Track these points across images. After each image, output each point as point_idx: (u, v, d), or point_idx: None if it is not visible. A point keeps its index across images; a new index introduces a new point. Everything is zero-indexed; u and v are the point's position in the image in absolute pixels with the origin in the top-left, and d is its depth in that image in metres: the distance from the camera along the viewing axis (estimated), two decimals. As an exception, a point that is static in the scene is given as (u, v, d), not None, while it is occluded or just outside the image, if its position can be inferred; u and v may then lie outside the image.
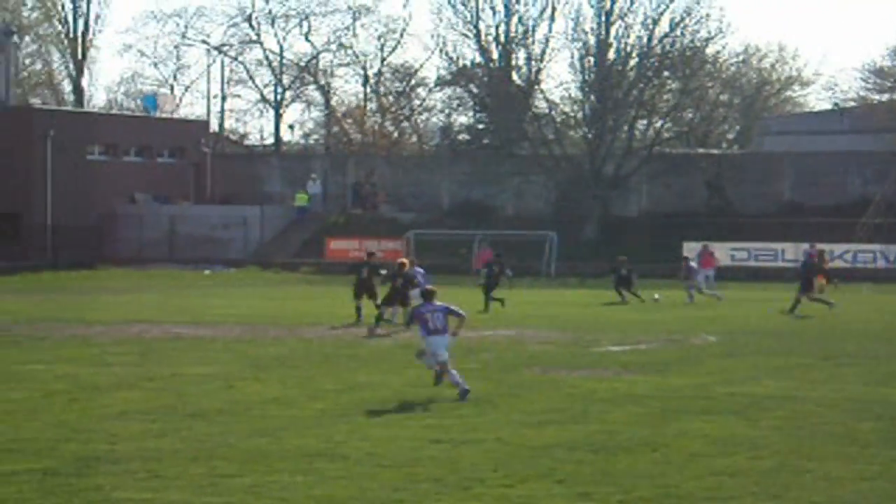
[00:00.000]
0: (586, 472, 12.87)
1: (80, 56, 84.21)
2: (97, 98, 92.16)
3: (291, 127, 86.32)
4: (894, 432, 15.17)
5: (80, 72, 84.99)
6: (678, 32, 62.60)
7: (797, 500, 11.72)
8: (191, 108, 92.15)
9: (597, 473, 12.83)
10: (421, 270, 32.90)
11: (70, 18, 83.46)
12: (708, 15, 62.99)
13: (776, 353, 24.58)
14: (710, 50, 65.02)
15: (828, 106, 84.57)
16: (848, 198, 60.93)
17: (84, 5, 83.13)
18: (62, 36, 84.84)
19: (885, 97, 75.74)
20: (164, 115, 70.67)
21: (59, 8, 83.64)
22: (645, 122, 66.12)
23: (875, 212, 58.68)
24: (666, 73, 64.00)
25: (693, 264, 42.65)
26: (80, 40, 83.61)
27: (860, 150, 64.52)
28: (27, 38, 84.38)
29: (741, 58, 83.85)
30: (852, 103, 79.29)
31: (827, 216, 58.18)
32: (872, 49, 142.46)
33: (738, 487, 12.23)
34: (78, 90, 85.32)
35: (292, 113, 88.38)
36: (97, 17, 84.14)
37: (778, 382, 19.96)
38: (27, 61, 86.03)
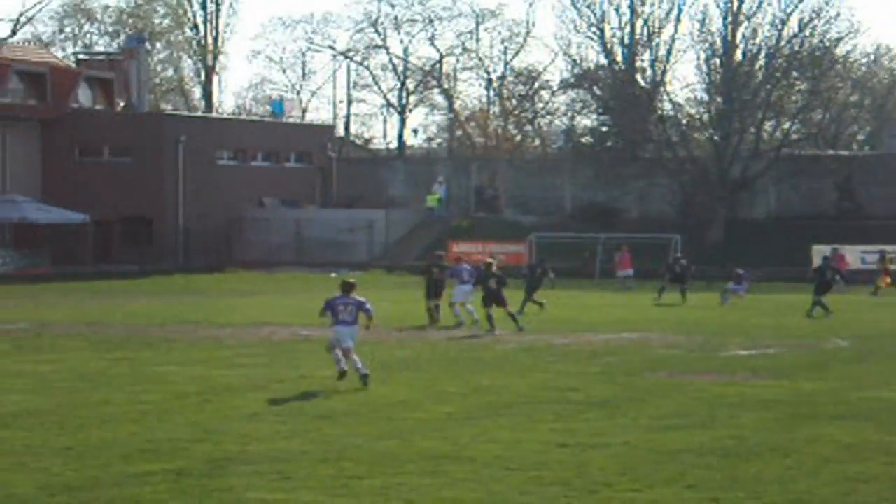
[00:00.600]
0: (716, 478, 12.74)
1: (209, 62, 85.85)
2: (226, 103, 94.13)
3: (415, 131, 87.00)
4: None
5: (209, 78, 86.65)
6: (807, 32, 61.71)
7: (933, 509, 11.47)
8: (317, 112, 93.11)
9: (726, 479, 12.70)
10: (468, 267, 32.69)
11: (200, 25, 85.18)
12: (838, 14, 62.15)
13: (910, 358, 24.06)
14: (839, 50, 64.04)
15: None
16: (984, 200, 59.42)
17: (214, 13, 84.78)
18: (193, 42, 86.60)
19: None
20: (290, 120, 71.65)
21: (190, 15, 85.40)
22: (773, 123, 65.26)
23: None
24: (794, 74, 63.09)
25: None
26: (209, 47, 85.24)
27: None
28: (158, 45, 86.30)
29: (872, 58, 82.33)
30: None
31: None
32: None
33: (873, 494, 12.01)
34: (208, 96, 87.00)
35: (416, 117, 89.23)
36: (227, 24, 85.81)
37: (912, 388, 19.54)
38: (159, 68, 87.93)
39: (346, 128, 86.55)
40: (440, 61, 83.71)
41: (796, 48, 62.07)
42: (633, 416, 16.74)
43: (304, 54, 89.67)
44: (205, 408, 17.44)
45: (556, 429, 15.63)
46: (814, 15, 61.60)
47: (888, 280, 46.94)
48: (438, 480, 12.66)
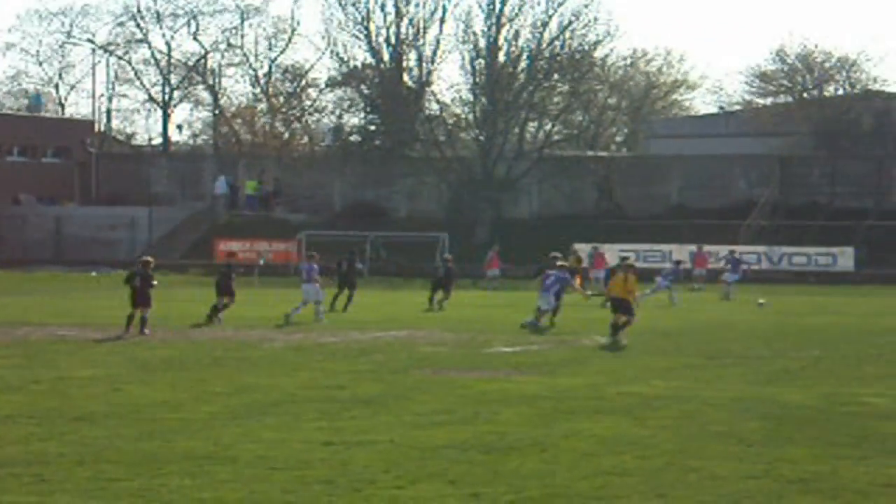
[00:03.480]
0: (477, 473, 12.92)
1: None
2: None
3: (180, 127, 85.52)
4: (778, 431, 15.47)
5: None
6: (567, 35, 63.24)
7: (683, 499, 11.88)
8: (76, 107, 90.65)
9: (487, 474, 12.89)
10: (308, 266, 33.12)
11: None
12: (596, 18, 63.82)
13: (665, 353, 24.93)
14: (598, 53, 65.89)
15: (713, 109, 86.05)
16: (733, 200, 62.08)
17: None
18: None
19: (769, 101, 77.22)
20: (47, 115, 69.53)
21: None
22: (535, 124, 66.71)
23: (759, 214, 59.83)
24: (555, 76, 64.57)
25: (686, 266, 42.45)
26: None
27: (745, 153, 65.80)
28: None
29: (629, 61, 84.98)
30: (737, 107, 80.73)
31: (713, 218, 59.20)
32: (756, 53, 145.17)
33: (626, 486, 12.37)
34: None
35: (181, 113, 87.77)
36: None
37: (666, 382, 20.24)
38: None
39: (108, 123, 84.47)
40: (204, 57, 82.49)
41: (557, 51, 63.55)
42: (399, 413, 16.84)
43: (62, 47, 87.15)
44: (-45, 412, 16.75)
45: (322, 427, 15.60)
46: (573, 18, 63.19)
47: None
48: (200, 481, 12.48)
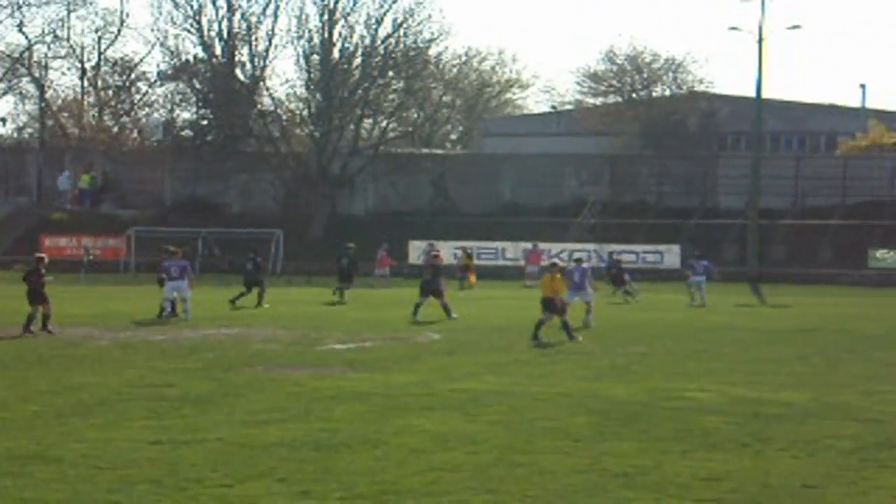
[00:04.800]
0: (307, 471, 12.86)
1: None
2: None
3: (3, 120, 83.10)
4: (605, 426, 15.74)
5: None
6: (401, 33, 63.42)
7: (511, 494, 12.01)
8: None
9: (318, 471, 12.84)
10: (180, 263, 32.59)
11: None
12: (430, 17, 64.33)
13: (496, 349, 25.17)
14: (432, 51, 66.28)
15: (546, 109, 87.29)
16: (564, 198, 63.08)
17: None
18: None
19: (599, 101, 78.63)
20: None
21: None
22: (370, 121, 66.74)
23: (590, 212, 60.91)
24: (390, 74, 64.71)
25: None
26: None
27: (576, 152, 66.89)
28: None
29: (463, 60, 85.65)
30: (569, 106, 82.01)
31: (545, 216, 60.08)
32: (587, 54, 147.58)
33: (456, 482, 12.45)
34: None
35: (5, 106, 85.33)
36: None
37: (497, 378, 20.44)
38: None
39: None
40: (29, 48, 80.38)
41: (391, 48, 63.69)
42: (229, 411, 16.66)
43: None
44: None
45: (150, 426, 15.34)
46: (407, 16, 63.40)
47: (473, 278, 49.05)
48: (22, 481, 12.16)
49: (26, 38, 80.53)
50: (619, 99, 76.73)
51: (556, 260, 40.62)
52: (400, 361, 22.93)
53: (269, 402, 17.47)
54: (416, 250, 55.45)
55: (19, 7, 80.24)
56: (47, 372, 20.67)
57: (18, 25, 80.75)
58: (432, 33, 64.27)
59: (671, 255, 57.15)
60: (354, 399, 17.86)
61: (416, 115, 70.06)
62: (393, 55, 63.78)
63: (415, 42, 64.03)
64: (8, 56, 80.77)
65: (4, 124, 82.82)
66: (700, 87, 75.67)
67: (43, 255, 30.06)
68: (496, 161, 66.41)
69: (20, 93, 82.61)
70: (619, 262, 44.00)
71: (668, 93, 76.25)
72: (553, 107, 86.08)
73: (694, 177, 63.73)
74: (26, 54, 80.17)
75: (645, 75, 76.51)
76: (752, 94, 58.15)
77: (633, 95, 76.17)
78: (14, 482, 12.14)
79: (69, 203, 63.56)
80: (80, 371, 20.86)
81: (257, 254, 38.76)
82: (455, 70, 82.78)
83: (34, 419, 15.83)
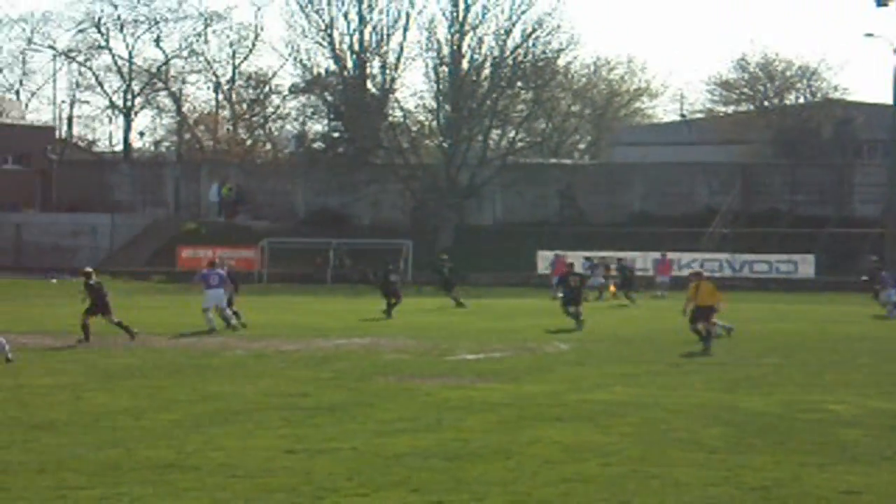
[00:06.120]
0: (440, 480, 12.90)
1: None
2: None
3: (142, 134, 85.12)
4: (739, 438, 15.53)
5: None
6: (530, 43, 63.41)
7: (646, 505, 11.92)
8: (37, 114, 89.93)
9: (450, 481, 12.88)
10: (219, 272, 32.65)
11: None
12: (559, 26, 64.04)
13: (627, 360, 24.99)
14: (561, 61, 66.14)
15: (676, 117, 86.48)
16: (695, 208, 62.39)
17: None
18: None
19: (730, 109, 77.68)
20: (8, 121, 69.04)
21: None
22: (499, 131, 66.82)
23: (721, 222, 60.15)
24: (518, 84, 64.73)
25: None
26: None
27: (707, 160, 66.12)
28: None
29: (592, 69, 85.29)
30: (699, 115, 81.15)
31: (675, 226, 59.49)
32: (718, 62, 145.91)
33: (588, 494, 12.38)
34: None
35: (143, 119, 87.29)
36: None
37: (628, 389, 20.29)
38: None
39: (69, 130, 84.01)
40: (166, 63, 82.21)
41: (520, 59, 63.70)
42: (362, 420, 16.81)
43: (22, 53, 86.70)
44: (-87, 421, 16.61)
45: (285, 435, 15.54)
46: (536, 26, 63.37)
47: (613, 289, 48.70)
48: (161, 490, 12.41)
49: (163, 53, 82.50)
50: (751, 107, 75.73)
51: (699, 269, 40.13)
52: (530, 372, 22.90)
53: (400, 412, 17.58)
54: (543, 260, 55.32)
55: (156, 23, 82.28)
56: (185, 381, 21.08)
57: (156, 40, 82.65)
58: (561, 43, 64.24)
59: (805, 265, 56.19)
60: (485, 409, 17.88)
61: (544, 126, 69.93)
62: (521, 66, 63.79)
63: (543, 52, 63.99)
64: (146, 71, 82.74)
65: (143, 138, 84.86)
66: (835, 95, 74.32)
67: (90, 269, 30.13)
68: (625, 170, 65.98)
69: (157, 107, 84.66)
70: (631, 269, 44.58)
71: (801, 100, 75.04)
72: (683, 115, 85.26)
73: (828, 185, 62.59)
74: (163, 69, 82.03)
75: (777, 83, 75.42)
76: (888, 101, 56.90)
77: (766, 103, 75.11)
78: (154, 490, 12.39)
79: (218, 215, 64.78)
80: (216, 380, 21.23)
81: (389, 267, 39.06)
82: (584, 79, 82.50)
83: (173, 428, 16.15)
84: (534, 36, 63.25)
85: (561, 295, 35.02)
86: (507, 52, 63.30)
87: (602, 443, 15.12)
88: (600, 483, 12.85)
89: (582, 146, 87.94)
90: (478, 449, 14.64)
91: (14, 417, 16.86)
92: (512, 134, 67.29)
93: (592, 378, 21.91)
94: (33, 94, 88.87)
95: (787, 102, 74.96)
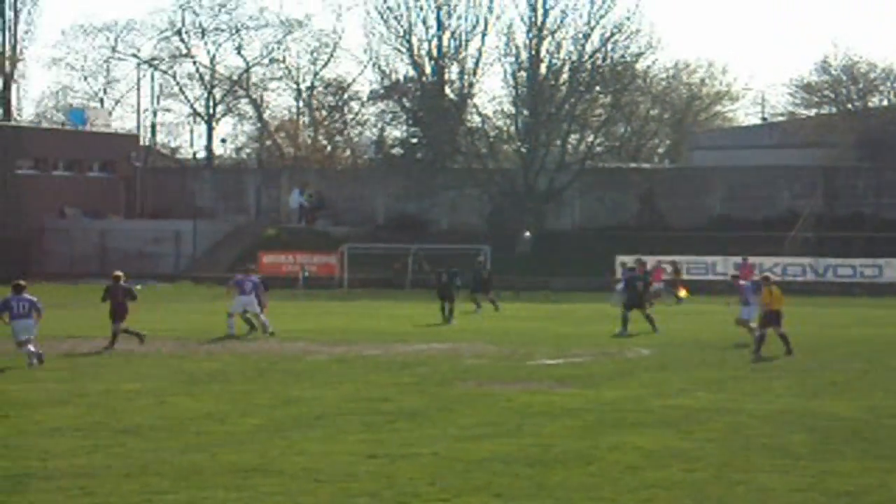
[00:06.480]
0: (522, 486, 12.89)
1: (7, 70, 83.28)
2: (26, 112, 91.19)
3: (224, 141, 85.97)
4: (825, 444, 15.35)
5: (7, 85, 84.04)
6: (609, 48, 63.09)
7: (731, 512, 11.82)
8: (121, 122, 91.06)
9: (532, 487, 12.86)
10: (253, 280, 32.68)
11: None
12: (638, 30, 63.58)
13: (709, 365, 24.80)
14: (640, 65, 65.67)
15: (756, 121, 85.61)
16: (776, 211, 61.71)
17: (12, 20, 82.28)
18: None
19: (813, 112, 76.74)
20: (94, 129, 70.05)
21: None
22: (577, 136, 66.54)
23: (804, 225, 59.44)
24: (597, 88, 64.44)
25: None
26: (7, 54, 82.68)
27: (788, 164, 65.37)
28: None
29: (671, 73, 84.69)
30: (781, 118, 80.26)
31: (756, 230, 58.88)
32: (800, 65, 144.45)
33: (672, 499, 12.31)
34: (6, 104, 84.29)
35: (224, 126, 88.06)
36: (26, 31, 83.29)
37: (711, 395, 20.13)
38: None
39: (153, 137, 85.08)
40: (247, 70, 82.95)
41: (598, 63, 63.43)
42: (443, 426, 16.83)
43: (107, 62, 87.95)
44: (2, 423, 16.90)
45: (366, 440, 15.61)
46: (615, 30, 63.01)
47: (684, 290, 48.28)
48: (246, 494, 12.51)
49: (244, 60, 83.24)
50: (834, 109, 74.75)
51: (767, 273, 39.72)
52: (610, 377, 22.80)
53: (481, 417, 17.58)
54: (623, 265, 55.03)
55: (238, 30, 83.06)
56: (267, 386, 21.25)
57: (237, 48, 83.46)
58: (640, 47, 63.80)
59: (891, 269, 55.33)
60: (566, 415, 17.84)
61: (623, 130, 69.54)
62: (600, 70, 63.52)
63: (622, 56, 63.64)
64: (227, 78, 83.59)
65: (224, 145, 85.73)
66: (920, 97, 73.14)
67: (119, 273, 30.32)
68: (705, 174, 65.40)
69: (239, 114, 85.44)
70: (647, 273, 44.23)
71: (885, 103, 73.93)
72: (764, 118, 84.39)
73: (913, 188, 61.59)
74: (244, 76, 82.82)
75: (861, 85, 74.38)
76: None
77: (848, 106, 74.12)
78: (238, 495, 12.50)
79: (298, 220, 65.24)
80: (298, 385, 21.38)
81: (455, 271, 38.94)
82: (663, 83, 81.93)
83: (256, 432, 16.29)
84: (613, 40, 62.94)
85: (616, 299, 35.39)
86: (586, 57, 63.02)
87: (685, 448, 15.01)
88: (684, 489, 12.76)
89: (661, 150, 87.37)
90: (559, 454, 14.60)
91: (100, 422, 17.09)
92: (590, 138, 66.95)
93: (674, 383, 21.77)
94: (117, 102, 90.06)
95: (871, 105, 73.89)
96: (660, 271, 49.29)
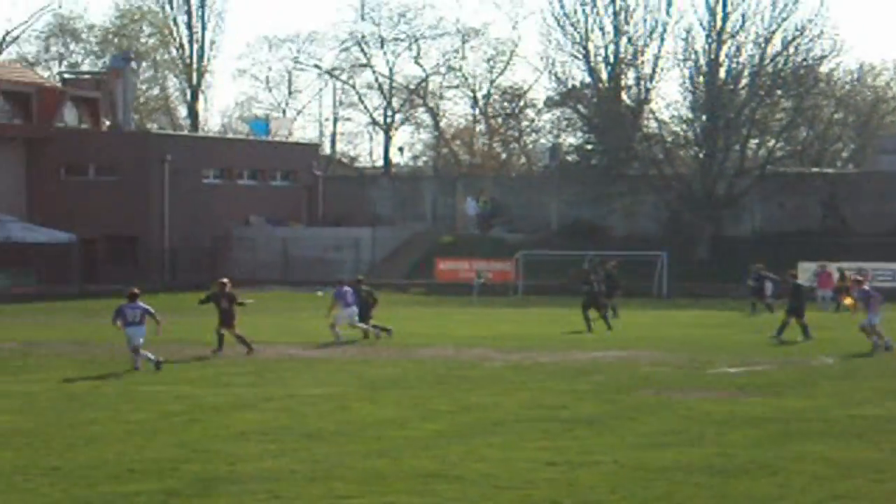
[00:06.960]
0: (704, 496, 12.75)
1: (195, 81, 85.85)
2: (212, 122, 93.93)
3: (401, 149, 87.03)
4: None
5: (195, 97, 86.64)
6: (791, 51, 61.87)
7: (922, 526, 11.50)
8: (303, 131, 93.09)
9: (716, 497, 12.71)
10: (353, 290, 32.88)
11: (186, 44, 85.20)
12: (821, 33, 62.18)
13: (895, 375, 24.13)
14: (823, 68, 64.21)
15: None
16: (970, 216, 59.69)
17: (199, 32, 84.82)
18: (178, 62, 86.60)
19: None
20: (276, 139, 71.66)
21: (175, 34, 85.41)
22: (757, 141, 65.39)
23: None
24: (778, 92, 63.24)
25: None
26: (195, 66, 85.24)
27: (981, 167, 63.19)
28: (144, 64, 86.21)
29: (856, 76, 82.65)
30: (972, 120, 77.58)
31: (945, 235, 57.04)
32: None
33: (861, 512, 12.04)
34: (193, 115, 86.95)
35: (402, 135, 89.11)
36: (212, 43, 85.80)
37: (899, 405, 19.60)
38: (144, 87, 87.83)
39: (333, 146, 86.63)
40: (425, 80, 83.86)
41: (780, 66, 62.26)
42: (622, 433, 16.75)
43: (289, 73, 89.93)
44: (192, 427, 17.41)
45: (545, 447, 15.63)
46: (797, 33, 61.77)
47: (849, 299, 46.73)
48: (427, 499, 12.65)
49: (422, 69, 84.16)
50: None
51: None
52: (794, 386, 22.37)
53: (660, 426, 17.44)
54: (805, 272, 53.86)
55: (416, 40, 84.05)
56: (447, 392, 21.43)
57: (415, 58, 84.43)
58: (823, 50, 62.43)
59: None
60: (748, 424, 17.57)
61: (804, 134, 68.09)
62: (782, 73, 62.34)
63: (805, 59, 62.35)
64: (405, 87, 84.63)
65: (402, 153, 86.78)
66: None
67: (226, 279, 30.40)
68: (892, 179, 63.61)
69: (416, 122, 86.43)
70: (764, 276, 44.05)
71: None
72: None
73: None
74: (422, 85, 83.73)
75: None
76: None
77: None
78: (420, 500, 12.64)
79: (473, 228, 65.69)
80: (476, 392, 21.51)
81: (595, 273, 38.56)
82: (847, 86, 79.98)
83: (436, 438, 16.45)
84: (795, 43, 61.72)
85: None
86: (767, 60, 61.94)
87: (873, 459, 14.65)
88: (873, 499, 12.47)
89: (845, 154, 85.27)
90: (743, 464, 14.40)
91: (285, 426, 17.48)
92: (771, 143, 65.70)
93: (861, 392, 21.25)
94: (299, 112, 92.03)
95: None
96: (826, 276, 48.01)
